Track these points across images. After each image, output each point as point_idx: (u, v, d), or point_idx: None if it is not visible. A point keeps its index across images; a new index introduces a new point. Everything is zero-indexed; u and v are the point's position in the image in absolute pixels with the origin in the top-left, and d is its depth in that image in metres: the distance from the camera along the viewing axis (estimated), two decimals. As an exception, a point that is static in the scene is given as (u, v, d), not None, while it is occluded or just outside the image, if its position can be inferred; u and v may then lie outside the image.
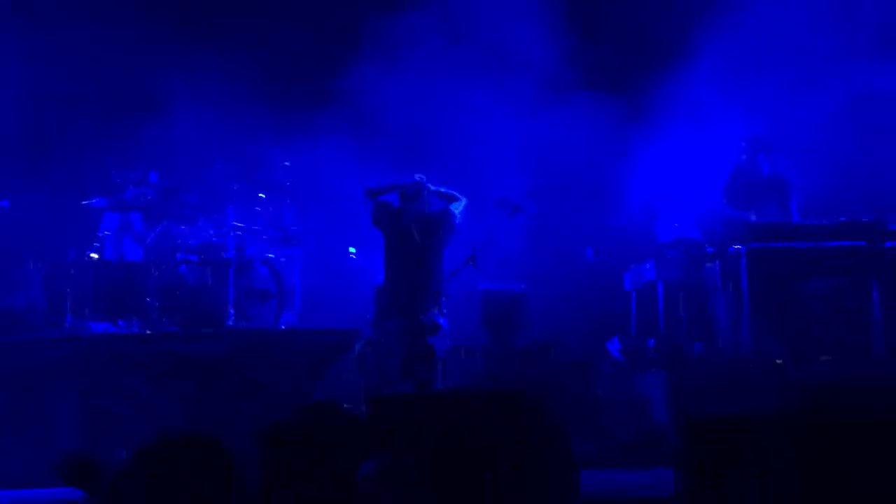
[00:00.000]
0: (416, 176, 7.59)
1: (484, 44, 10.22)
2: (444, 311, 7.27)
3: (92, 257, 9.02)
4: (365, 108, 10.02)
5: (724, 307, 8.52)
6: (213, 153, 9.85)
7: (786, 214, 8.88)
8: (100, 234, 9.16)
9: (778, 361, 7.97)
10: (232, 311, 8.71)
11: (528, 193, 9.84)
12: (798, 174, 9.31)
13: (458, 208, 7.57)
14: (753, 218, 8.69)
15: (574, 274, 10.09)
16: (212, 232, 9.12)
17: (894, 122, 9.41)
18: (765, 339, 8.18)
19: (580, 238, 10.26)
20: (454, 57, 10.15)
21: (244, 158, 9.75)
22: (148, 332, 8.50)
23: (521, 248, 9.83)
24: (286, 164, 9.74)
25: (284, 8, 10.63)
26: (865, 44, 9.53)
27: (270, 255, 9.29)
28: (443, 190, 7.56)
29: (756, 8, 9.72)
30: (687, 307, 8.98)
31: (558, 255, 10.18)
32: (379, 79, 10.13)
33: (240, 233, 9.10)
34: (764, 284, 8.26)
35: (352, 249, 9.94)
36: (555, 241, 10.20)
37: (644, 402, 8.00)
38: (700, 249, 8.95)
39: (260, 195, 9.52)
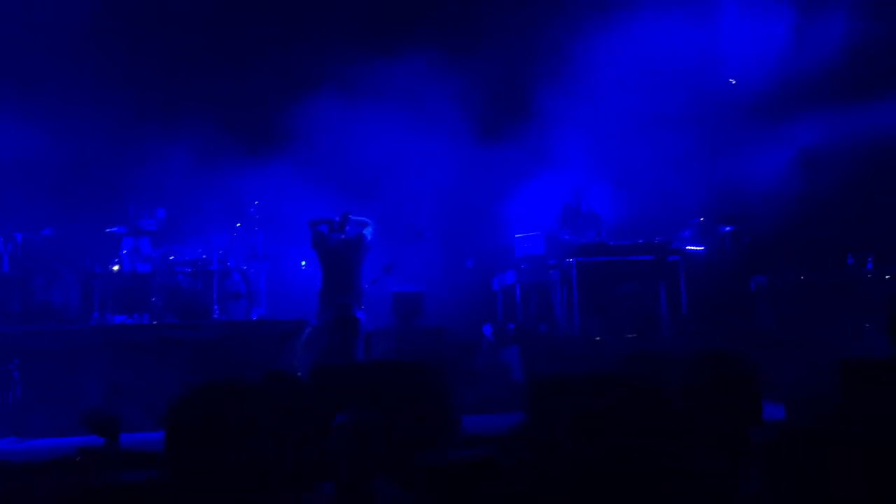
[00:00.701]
0: (341, 212, 7.57)
1: (410, 105, 10.13)
2: (363, 307, 7.24)
3: (113, 269, 8.76)
4: (315, 157, 9.88)
5: (561, 301, 8.62)
6: (204, 192, 9.66)
7: (599, 238, 9.02)
8: (119, 253, 8.91)
9: (597, 338, 8.07)
10: (216, 307, 8.54)
11: (429, 221, 9.85)
12: (609, 209, 9.45)
13: (369, 231, 7.54)
14: (581, 240, 8.81)
15: (459, 279, 10.08)
16: (201, 250, 8.93)
17: (689, 173, 9.55)
18: (589, 323, 8.28)
19: (464, 253, 10.27)
20: (388, 115, 10.05)
21: (226, 197, 9.60)
22: (154, 322, 8.28)
23: (422, 261, 9.78)
24: (256, 202, 9.57)
25: (253, 79, 10.34)
26: (672, 112, 9.64)
27: (244, 267, 9.13)
28: (358, 219, 7.54)
29: (596, 82, 9.78)
30: (536, 302, 9.06)
31: (448, 265, 10.15)
32: (324, 135, 10.01)
33: (221, 251, 8.93)
34: (588, 286, 8.38)
35: (303, 262, 9.80)
36: (446, 255, 10.18)
37: (507, 367, 8.03)
38: (545, 262, 9.06)
39: (237, 223, 9.36)
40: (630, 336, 8.02)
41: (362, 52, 10.03)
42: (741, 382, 2.81)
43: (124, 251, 8.89)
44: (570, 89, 9.84)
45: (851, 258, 8.42)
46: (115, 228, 9.01)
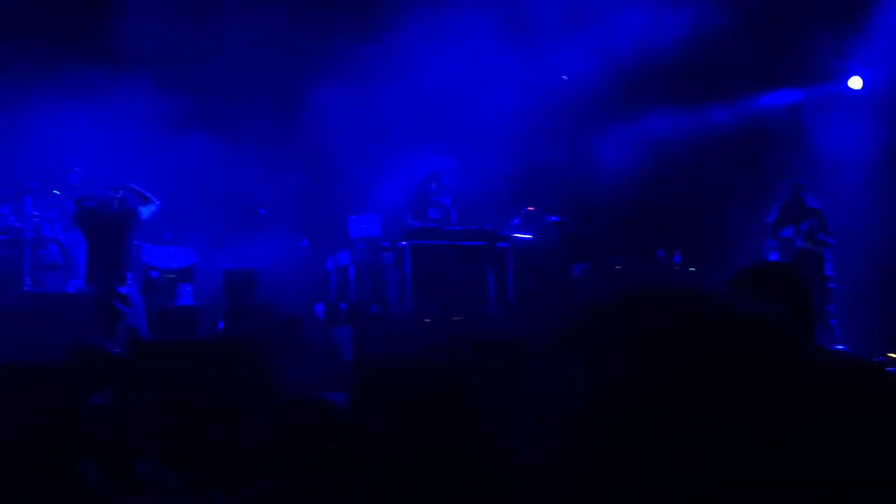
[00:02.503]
0: (117, 186, 7.14)
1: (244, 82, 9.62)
2: (129, 283, 6.88)
3: None
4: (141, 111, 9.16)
5: (394, 283, 8.65)
6: (17, 157, 8.86)
7: (448, 222, 9.05)
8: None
9: (427, 320, 8.16)
10: (27, 279, 7.93)
11: (267, 200, 9.56)
12: (454, 196, 9.43)
13: (147, 210, 7.13)
14: (416, 224, 8.84)
15: (293, 258, 9.87)
16: (13, 218, 8.26)
17: (522, 164, 9.70)
18: (420, 306, 8.35)
19: (299, 232, 10.07)
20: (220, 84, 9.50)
21: (43, 162, 8.84)
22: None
23: (256, 238, 9.49)
24: (77, 169, 8.89)
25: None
26: (512, 105, 9.72)
27: (61, 237, 8.52)
28: (141, 192, 7.14)
29: (443, 68, 9.70)
30: (369, 283, 9.04)
31: (284, 244, 9.89)
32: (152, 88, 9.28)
33: (36, 219, 8.29)
34: (420, 268, 8.45)
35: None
36: (281, 234, 9.90)
37: (337, 347, 8.00)
38: (379, 243, 9.03)
39: (55, 192, 8.68)
40: (458, 318, 8.16)
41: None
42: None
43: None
44: (414, 74, 9.76)
45: (662, 251, 8.99)
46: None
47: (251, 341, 5.09)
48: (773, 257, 7.84)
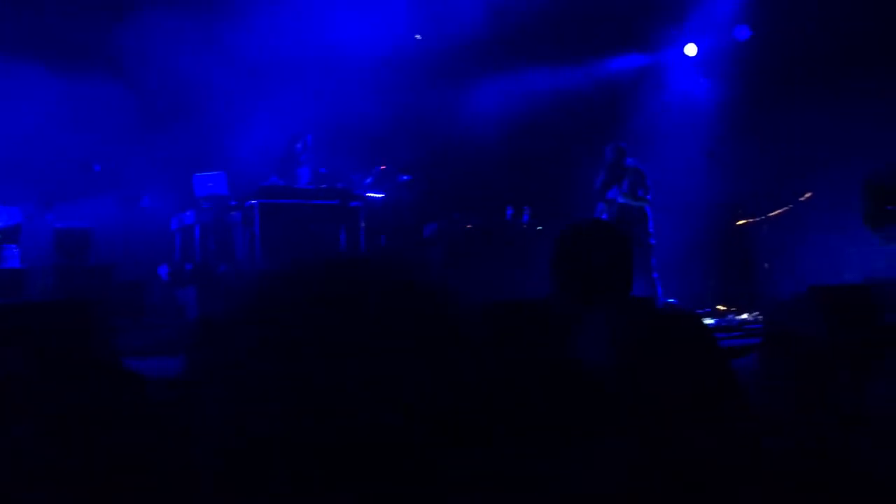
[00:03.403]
0: None
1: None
2: None
3: None
4: None
5: (242, 243, 8.50)
6: None
7: (317, 182, 8.88)
8: None
9: (277, 280, 8.07)
10: None
11: (103, 154, 9.05)
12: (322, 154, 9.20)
13: None
14: (267, 183, 8.66)
15: (134, 216, 9.40)
16: None
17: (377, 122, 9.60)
18: (269, 265, 8.23)
19: (139, 188, 9.58)
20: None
21: None
22: None
23: (91, 196, 8.98)
24: None
25: None
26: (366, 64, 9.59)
27: None
28: None
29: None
30: (216, 242, 8.82)
31: (124, 200, 9.38)
32: None
33: None
34: (270, 227, 8.36)
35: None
36: (121, 189, 9.37)
37: (182, 308, 7.81)
38: (227, 202, 8.83)
39: None
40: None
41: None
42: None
43: None
44: (270, 11, 9.35)
45: (511, 210, 9.27)
46: None
47: (85, 303, 4.87)
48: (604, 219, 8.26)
